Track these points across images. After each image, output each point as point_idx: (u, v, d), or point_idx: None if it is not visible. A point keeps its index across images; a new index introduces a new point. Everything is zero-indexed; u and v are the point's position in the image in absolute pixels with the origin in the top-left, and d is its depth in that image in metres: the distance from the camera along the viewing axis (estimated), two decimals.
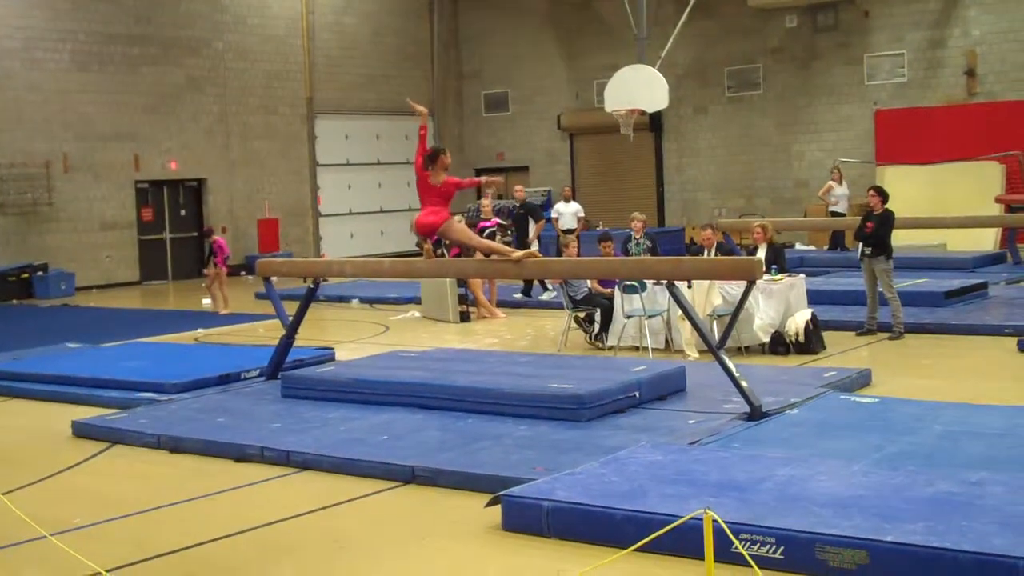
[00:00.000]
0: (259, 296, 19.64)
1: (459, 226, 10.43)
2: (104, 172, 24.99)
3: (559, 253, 16.40)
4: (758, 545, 5.70)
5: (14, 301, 22.77)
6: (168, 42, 26.00)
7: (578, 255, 14.79)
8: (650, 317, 12.91)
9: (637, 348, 13.01)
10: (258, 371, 11.74)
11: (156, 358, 13.08)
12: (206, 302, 20.27)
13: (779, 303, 12.70)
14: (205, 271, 19.40)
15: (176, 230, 26.60)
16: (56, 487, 8.34)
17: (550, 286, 18.02)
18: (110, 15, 25.02)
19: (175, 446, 9.18)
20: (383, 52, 30.60)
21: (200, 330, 16.71)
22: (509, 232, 18.80)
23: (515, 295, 18.22)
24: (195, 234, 26.67)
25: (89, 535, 6.98)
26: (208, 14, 26.82)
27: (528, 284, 18.30)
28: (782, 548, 5.68)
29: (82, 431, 9.91)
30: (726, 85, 27.92)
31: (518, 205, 20.00)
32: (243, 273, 25.94)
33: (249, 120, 27.57)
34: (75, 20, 24.49)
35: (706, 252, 13.65)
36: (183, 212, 26.83)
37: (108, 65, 25.00)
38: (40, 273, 23.60)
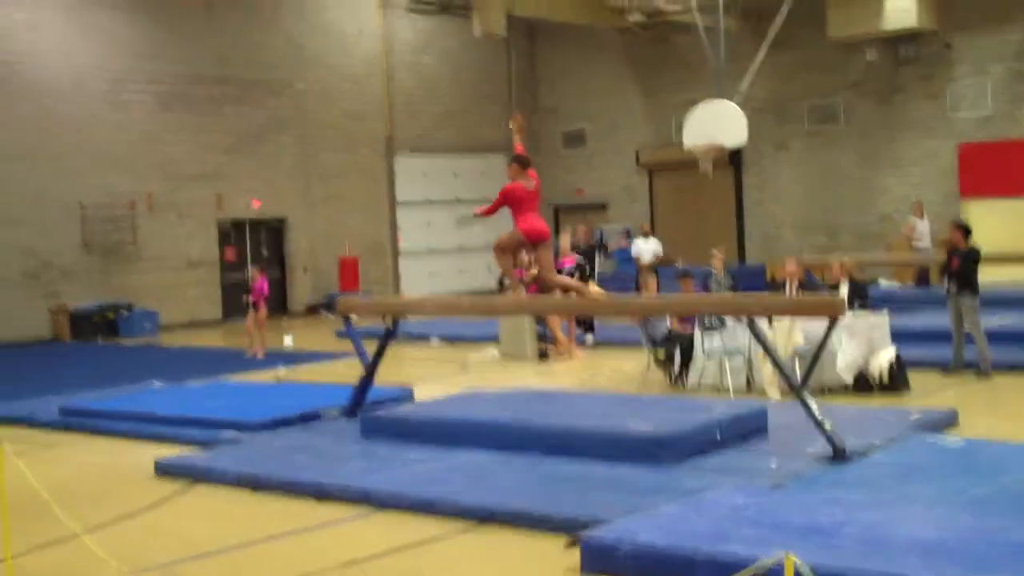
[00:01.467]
0: (339, 335, 19.75)
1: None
2: (188, 211, 25.40)
3: (639, 289, 16.33)
4: None
5: (99, 340, 23.15)
6: (249, 83, 26.43)
7: (657, 292, 14.73)
8: (731, 356, 12.82)
9: (718, 388, 12.92)
10: (338, 410, 11.81)
11: (238, 396, 13.24)
12: (288, 340, 20.46)
13: (862, 342, 12.55)
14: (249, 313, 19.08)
15: (261, 269, 26.86)
16: (137, 526, 8.44)
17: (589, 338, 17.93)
18: (193, 57, 25.48)
19: (256, 484, 9.26)
20: (461, 90, 30.83)
21: (281, 368, 16.85)
22: (587, 270, 18.75)
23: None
24: (277, 273, 27.00)
25: (170, 574, 7.05)
26: (289, 54, 27.21)
27: (589, 322, 18.19)
28: None
29: (164, 469, 10.02)
30: (806, 119, 27.73)
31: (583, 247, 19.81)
32: (323, 312, 26.17)
33: (329, 159, 27.89)
34: (159, 62, 24.96)
35: (787, 288, 13.54)
36: (265, 251, 27.16)
37: (191, 106, 25.45)
38: (125, 312, 23.97)
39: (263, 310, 18.64)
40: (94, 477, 10.29)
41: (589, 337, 17.95)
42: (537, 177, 10.52)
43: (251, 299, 18.78)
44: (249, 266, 21.39)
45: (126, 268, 24.54)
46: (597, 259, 19.58)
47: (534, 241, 10.38)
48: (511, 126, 10.86)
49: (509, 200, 10.30)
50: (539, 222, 10.34)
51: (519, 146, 10.84)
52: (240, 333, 20.03)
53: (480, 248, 30.30)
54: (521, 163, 10.39)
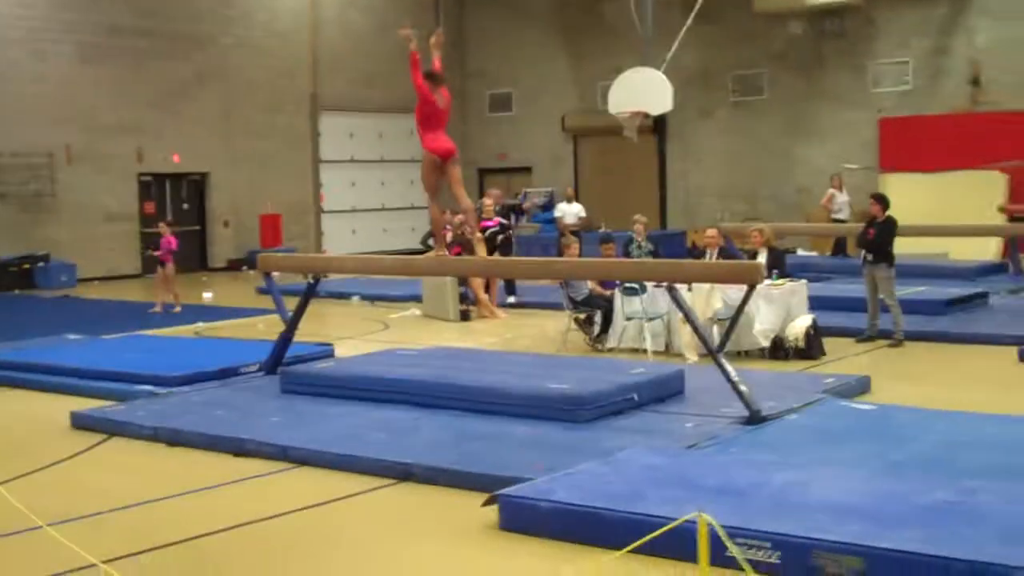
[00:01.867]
0: (260, 291, 19.62)
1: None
2: (107, 164, 25.01)
3: (560, 253, 16.39)
4: (754, 550, 5.69)
5: (15, 291, 22.78)
6: (173, 36, 26.02)
7: (579, 256, 14.78)
8: (650, 320, 12.92)
9: (637, 350, 13.01)
10: (257, 366, 11.74)
11: (155, 351, 13.11)
12: (207, 295, 20.28)
13: (780, 308, 12.69)
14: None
15: (178, 223, 26.59)
16: (53, 478, 8.35)
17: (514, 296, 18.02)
18: (116, 8, 25.05)
19: (173, 439, 9.18)
20: (388, 49, 30.46)
21: (200, 323, 16.70)
22: (512, 233, 18.73)
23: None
24: (197, 227, 26.78)
25: (86, 526, 6.99)
26: (215, 8, 26.86)
27: (510, 283, 18.23)
28: (778, 553, 5.67)
29: (80, 422, 9.91)
30: (731, 89, 27.92)
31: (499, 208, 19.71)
32: (244, 268, 25.98)
33: (253, 116, 27.59)
34: (80, 11, 24.51)
35: (708, 255, 13.65)
36: (186, 206, 26.87)
37: (113, 58, 25.01)
38: (42, 264, 23.63)
39: (170, 266, 18.31)
40: (8, 429, 10.16)
41: (511, 298, 18.01)
42: (449, 96, 10.69)
43: (158, 255, 18.55)
44: (159, 223, 20.85)
45: (44, 219, 24.14)
46: (515, 221, 19.53)
47: (444, 158, 10.51)
48: (431, 41, 10.87)
49: (422, 100, 10.50)
50: (447, 140, 10.52)
51: (437, 62, 10.89)
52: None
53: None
54: (434, 79, 10.54)
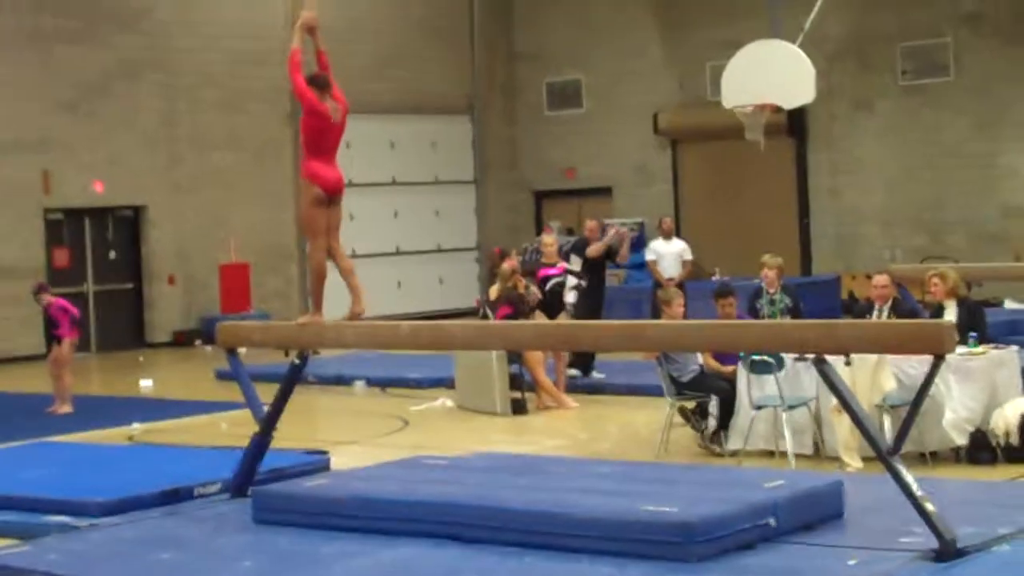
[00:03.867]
0: (221, 375, 19.72)
1: None
2: (0, 196, 25.29)
3: (657, 312, 16.38)
4: None
5: None
6: (90, 12, 26.33)
7: (684, 316, 14.78)
8: (791, 408, 12.86)
9: (772, 453, 12.98)
10: (220, 485, 11.78)
11: (72, 465, 13.16)
12: (145, 383, 20.40)
13: (981, 388, 12.59)
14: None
15: (102, 280, 26.88)
16: None
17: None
18: None
19: None
20: (403, 27, 30.79)
21: (135, 424, 16.78)
22: (582, 284, 18.74)
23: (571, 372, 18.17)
24: (130, 285, 26.96)
25: None
26: None
27: (585, 358, 18.22)
28: None
29: None
30: (900, 70, 27.90)
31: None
32: (198, 342, 26.13)
33: (207, 121, 27.83)
34: None
35: (875, 312, 13.60)
36: (112, 254, 27.08)
37: (5, 43, 25.34)
38: None
39: (66, 343, 18.19)
40: None
41: (595, 375, 18.03)
42: (345, 103, 10.87)
43: (53, 331, 18.59)
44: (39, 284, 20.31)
45: None
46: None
47: (333, 193, 10.79)
48: (299, 22, 10.98)
49: (307, 127, 10.69)
50: (337, 169, 10.80)
51: (321, 55, 11.21)
52: (75, 372, 19.87)
53: (428, 252, 30.39)
54: (319, 84, 10.76)
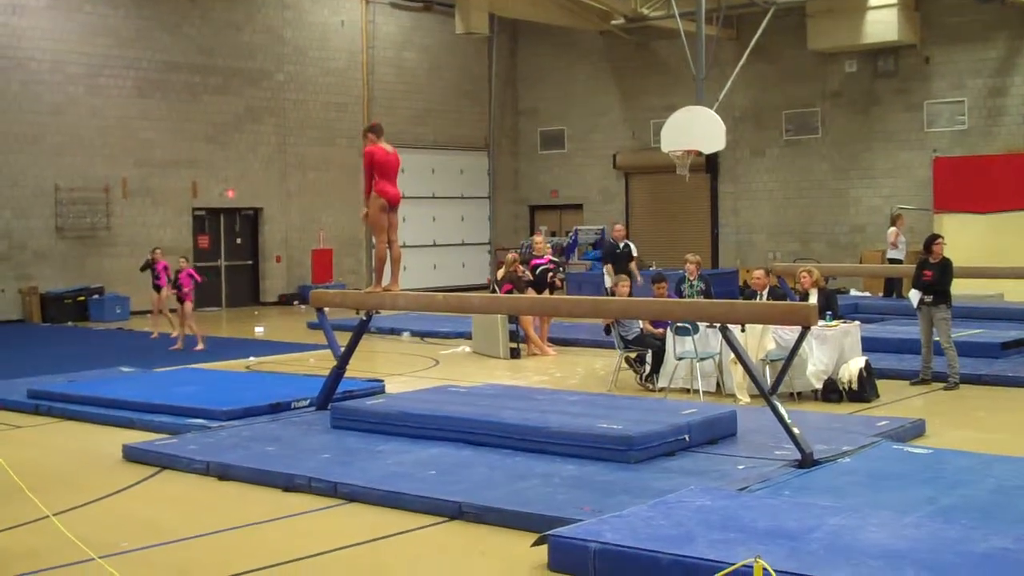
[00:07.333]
0: (311, 326, 19.73)
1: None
2: (162, 198, 25.30)
3: (611, 293, 16.37)
4: None
5: (70, 323, 23.03)
6: (229, 72, 26.33)
7: (630, 295, 14.76)
8: (702, 360, 12.86)
9: (688, 391, 12.96)
10: (308, 401, 11.79)
11: (208, 384, 13.19)
12: (259, 330, 20.39)
13: (833, 350, 12.60)
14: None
15: (231, 258, 26.86)
16: (105, 510, 8.40)
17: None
18: (173, 44, 25.38)
19: (223, 473, 9.23)
20: (441, 87, 30.79)
21: (251, 358, 16.80)
22: (563, 270, 18.71)
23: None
24: (250, 262, 26.98)
25: (135, 560, 7.02)
26: (270, 46, 27.13)
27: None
28: None
29: (132, 455, 9.98)
30: (784, 128, 27.82)
31: (619, 245, 19.50)
32: (296, 303, 26.15)
33: (307, 151, 27.83)
34: (138, 48, 24.85)
35: (759, 296, 13.59)
36: (239, 240, 27.08)
37: (170, 93, 25.34)
38: (96, 297, 23.87)
39: (188, 303, 18.21)
40: (62, 461, 10.24)
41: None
42: (396, 153, 11.28)
43: (159, 284, 18.91)
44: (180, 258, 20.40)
45: (99, 252, 24.40)
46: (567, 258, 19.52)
47: (393, 204, 11.19)
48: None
49: (376, 161, 11.03)
50: (396, 188, 11.18)
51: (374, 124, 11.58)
52: (211, 321, 19.92)
53: (455, 245, 30.40)
54: (376, 131, 11.17)
